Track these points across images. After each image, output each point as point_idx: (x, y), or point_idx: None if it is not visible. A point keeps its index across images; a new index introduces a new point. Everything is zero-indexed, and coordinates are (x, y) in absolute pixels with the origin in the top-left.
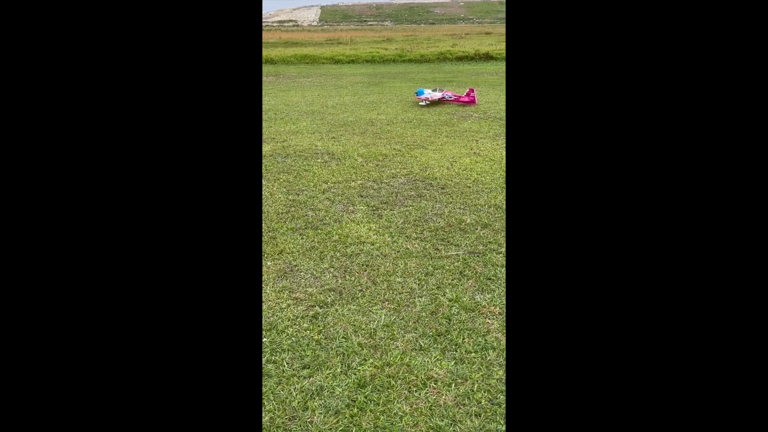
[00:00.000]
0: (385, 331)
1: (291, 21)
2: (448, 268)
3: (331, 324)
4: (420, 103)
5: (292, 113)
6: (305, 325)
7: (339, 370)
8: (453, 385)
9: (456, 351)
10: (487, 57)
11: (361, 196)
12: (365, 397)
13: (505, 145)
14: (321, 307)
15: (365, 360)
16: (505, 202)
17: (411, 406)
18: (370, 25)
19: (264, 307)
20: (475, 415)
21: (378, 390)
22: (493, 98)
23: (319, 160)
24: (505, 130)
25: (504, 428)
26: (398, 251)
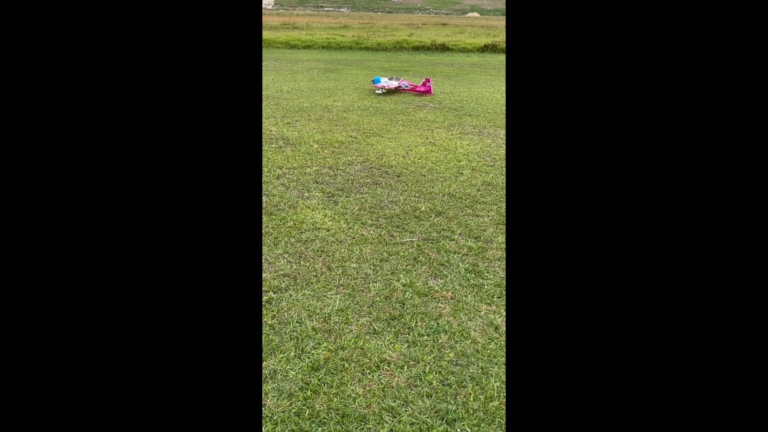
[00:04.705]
0: (339, 316)
1: None
2: (402, 254)
3: (285, 309)
4: (376, 91)
5: None
6: None
7: (293, 354)
8: (405, 367)
9: (409, 334)
10: (443, 48)
11: (317, 183)
12: (319, 380)
13: (460, 135)
14: (275, 293)
15: (319, 344)
16: (459, 191)
17: (364, 388)
18: (327, 11)
19: None
20: (427, 396)
21: (331, 373)
22: (449, 89)
23: (274, 146)
24: (460, 120)
25: (454, 408)
26: (354, 237)
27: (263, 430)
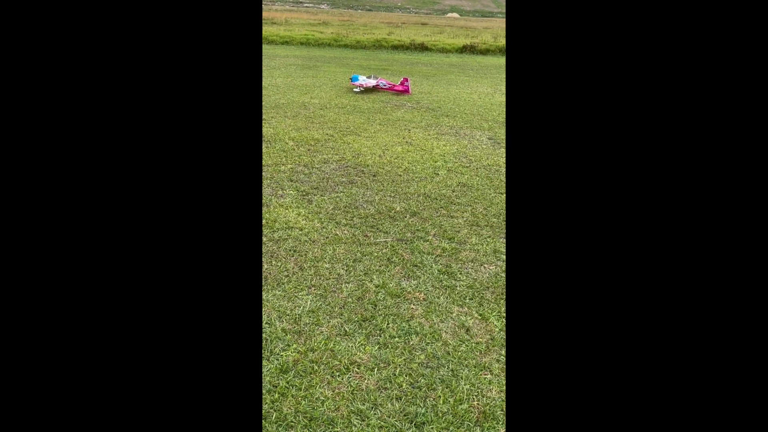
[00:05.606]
0: (310, 317)
1: None
2: (376, 254)
3: None
4: (354, 90)
5: None
6: None
7: (261, 355)
8: (376, 369)
9: (380, 336)
10: (422, 48)
11: (291, 181)
12: (287, 383)
13: (437, 135)
14: None
15: (288, 346)
16: (434, 192)
17: (333, 391)
18: (306, 7)
19: None
20: (396, 399)
21: (300, 375)
22: (427, 89)
23: None
24: (437, 121)
25: (423, 411)
26: (327, 237)
27: None
